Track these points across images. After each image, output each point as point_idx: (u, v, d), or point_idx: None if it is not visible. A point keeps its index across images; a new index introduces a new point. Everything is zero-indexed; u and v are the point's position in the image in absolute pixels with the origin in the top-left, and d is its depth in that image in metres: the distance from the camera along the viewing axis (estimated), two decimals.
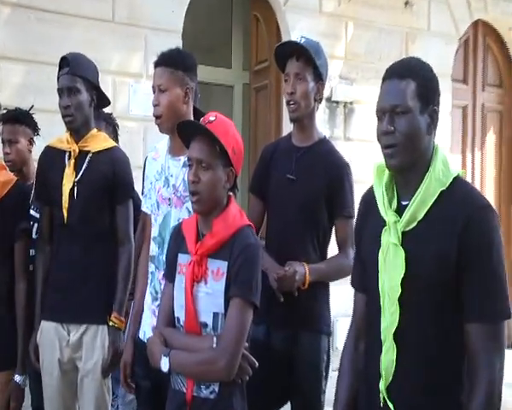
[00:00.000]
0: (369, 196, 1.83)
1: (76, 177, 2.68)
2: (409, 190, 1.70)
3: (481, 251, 1.63)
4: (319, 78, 2.59)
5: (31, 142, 3.34)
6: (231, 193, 2.11)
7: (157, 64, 2.48)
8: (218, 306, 1.98)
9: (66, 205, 2.67)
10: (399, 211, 1.71)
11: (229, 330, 1.93)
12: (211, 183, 1.98)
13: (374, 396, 1.74)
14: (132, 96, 5.02)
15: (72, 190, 2.67)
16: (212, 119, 2.00)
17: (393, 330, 1.67)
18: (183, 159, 2.42)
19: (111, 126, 3.45)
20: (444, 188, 1.67)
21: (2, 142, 3.29)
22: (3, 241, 2.68)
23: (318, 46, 2.64)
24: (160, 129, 2.46)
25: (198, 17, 5.68)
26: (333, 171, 2.58)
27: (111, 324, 2.69)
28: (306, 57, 2.54)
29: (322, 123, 5.37)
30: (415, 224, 1.67)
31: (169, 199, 2.45)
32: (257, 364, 2.05)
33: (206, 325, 1.99)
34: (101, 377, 2.69)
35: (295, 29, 5.80)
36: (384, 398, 1.70)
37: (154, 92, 2.50)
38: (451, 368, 1.68)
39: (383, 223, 1.71)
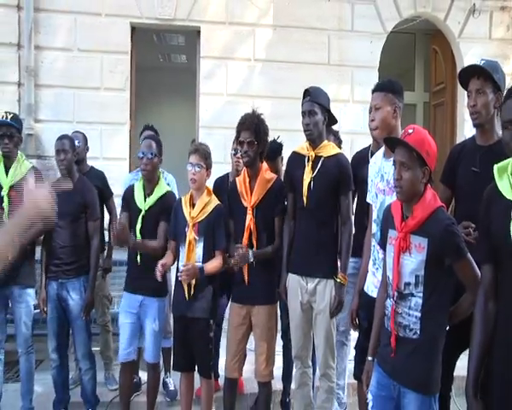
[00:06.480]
0: (489, 193, 1.74)
1: (313, 174, 2.78)
2: None
3: None
4: (498, 89, 2.34)
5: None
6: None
7: (374, 90, 2.55)
8: (419, 270, 1.93)
9: (306, 194, 2.78)
10: None
11: (474, 278, 1.87)
12: (410, 180, 1.95)
13: None
14: (342, 116, 5.05)
15: (309, 183, 2.77)
16: (410, 131, 1.96)
17: None
18: (392, 159, 2.43)
19: (337, 140, 3.55)
20: None
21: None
22: (268, 217, 2.91)
23: (496, 64, 2.42)
24: (374, 137, 2.49)
25: (390, 53, 5.56)
26: None
27: (338, 280, 2.76)
28: (486, 75, 2.33)
29: None
30: None
31: (383, 190, 2.48)
32: None
33: (409, 284, 1.95)
34: (329, 317, 2.80)
35: (467, 55, 5.45)
36: None
37: (370, 112, 2.54)
38: None
39: (510, 202, 1.64)
